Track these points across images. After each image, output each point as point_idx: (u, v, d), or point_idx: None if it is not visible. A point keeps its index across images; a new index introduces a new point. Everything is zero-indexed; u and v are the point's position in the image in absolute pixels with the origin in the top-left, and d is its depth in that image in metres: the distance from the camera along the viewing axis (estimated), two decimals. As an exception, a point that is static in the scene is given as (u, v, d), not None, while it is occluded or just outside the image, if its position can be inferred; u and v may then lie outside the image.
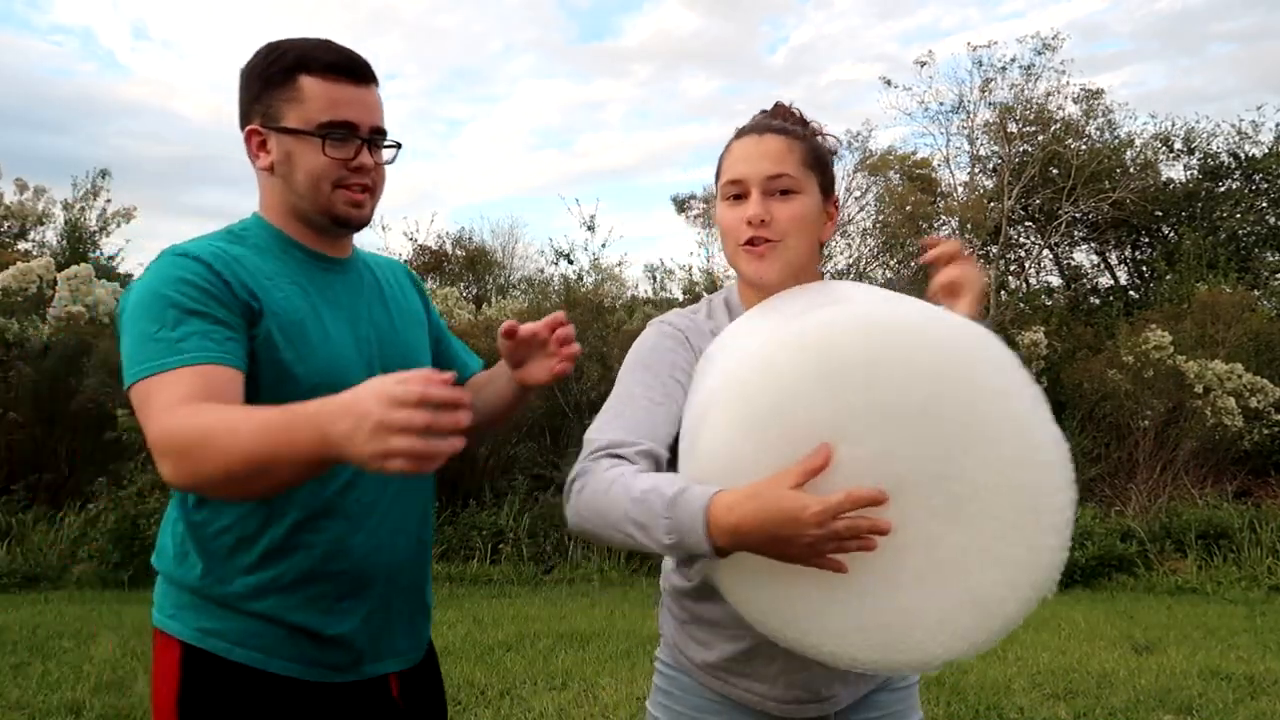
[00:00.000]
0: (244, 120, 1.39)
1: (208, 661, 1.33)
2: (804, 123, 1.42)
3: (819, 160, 1.39)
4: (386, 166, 1.43)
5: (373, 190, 1.40)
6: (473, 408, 1.36)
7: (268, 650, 1.32)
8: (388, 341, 1.44)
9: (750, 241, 1.35)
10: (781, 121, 1.39)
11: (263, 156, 1.37)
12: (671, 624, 1.44)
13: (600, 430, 1.30)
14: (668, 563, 1.45)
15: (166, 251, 1.30)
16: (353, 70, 1.36)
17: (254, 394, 1.26)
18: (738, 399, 1.12)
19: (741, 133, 1.40)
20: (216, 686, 1.32)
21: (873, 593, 1.12)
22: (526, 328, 1.51)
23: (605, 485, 1.19)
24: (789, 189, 1.35)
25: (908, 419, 1.09)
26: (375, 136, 1.38)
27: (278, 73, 1.35)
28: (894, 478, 1.09)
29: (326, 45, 1.37)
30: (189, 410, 1.14)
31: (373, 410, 0.97)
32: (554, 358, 1.54)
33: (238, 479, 1.09)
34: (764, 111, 1.44)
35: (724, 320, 1.41)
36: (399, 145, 1.42)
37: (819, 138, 1.41)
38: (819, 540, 1.04)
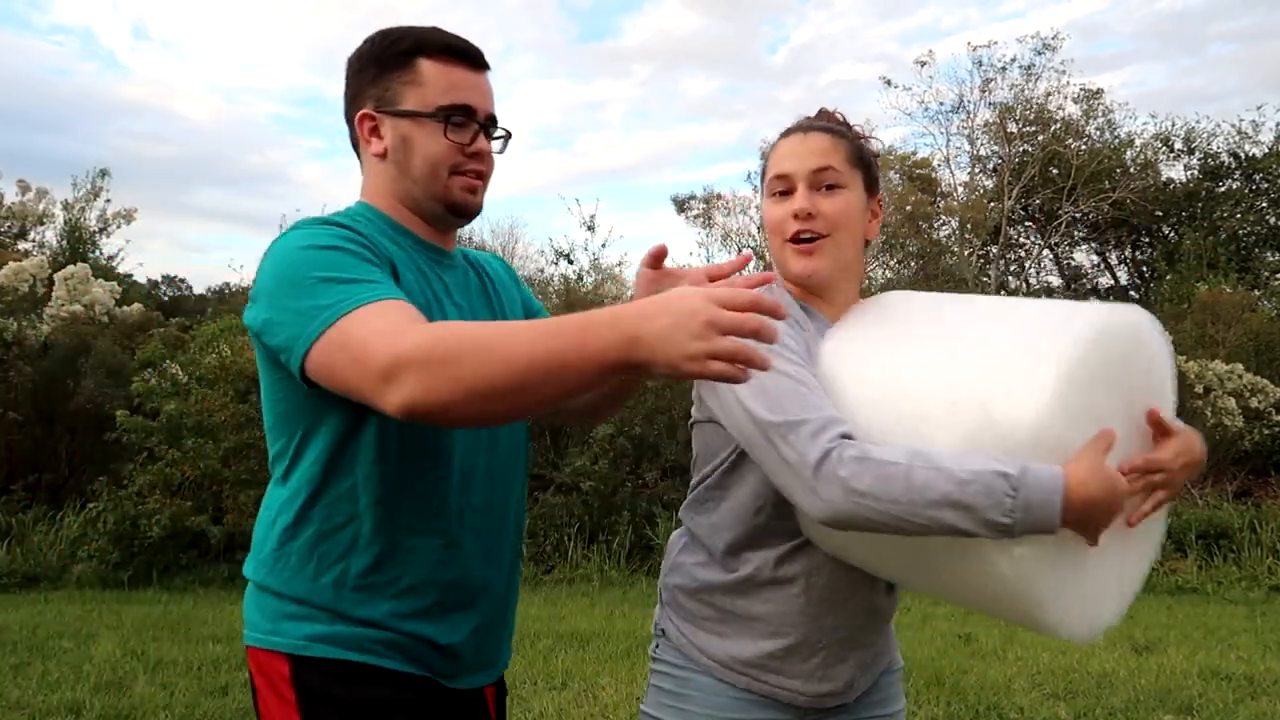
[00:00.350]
0: (353, 106, 1.33)
1: (321, 667, 1.23)
2: (849, 125, 1.44)
3: (863, 159, 1.39)
4: (497, 157, 1.37)
5: (485, 179, 1.34)
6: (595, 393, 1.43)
7: (380, 654, 1.25)
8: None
9: (796, 238, 1.35)
10: (826, 122, 1.42)
11: (375, 142, 1.31)
12: (686, 624, 1.39)
13: (798, 410, 1.18)
14: (686, 559, 1.40)
15: (303, 222, 1.23)
16: (470, 55, 1.32)
17: None
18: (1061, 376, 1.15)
19: (787, 132, 1.41)
20: (336, 688, 1.23)
21: (1095, 564, 1.21)
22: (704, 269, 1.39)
23: (902, 466, 1.12)
24: (835, 183, 1.35)
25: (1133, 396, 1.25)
26: (490, 124, 1.33)
27: (395, 55, 1.29)
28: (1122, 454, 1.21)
29: (441, 30, 1.32)
30: (435, 325, 1.06)
31: (700, 309, 0.94)
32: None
33: (506, 389, 0.99)
34: (809, 116, 1.46)
35: (800, 315, 1.38)
36: (509, 135, 1.37)
37: (863, 140, 1.42)
38: (1119, 511, 1.13)
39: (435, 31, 1.32)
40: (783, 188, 1.37)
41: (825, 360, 1.29)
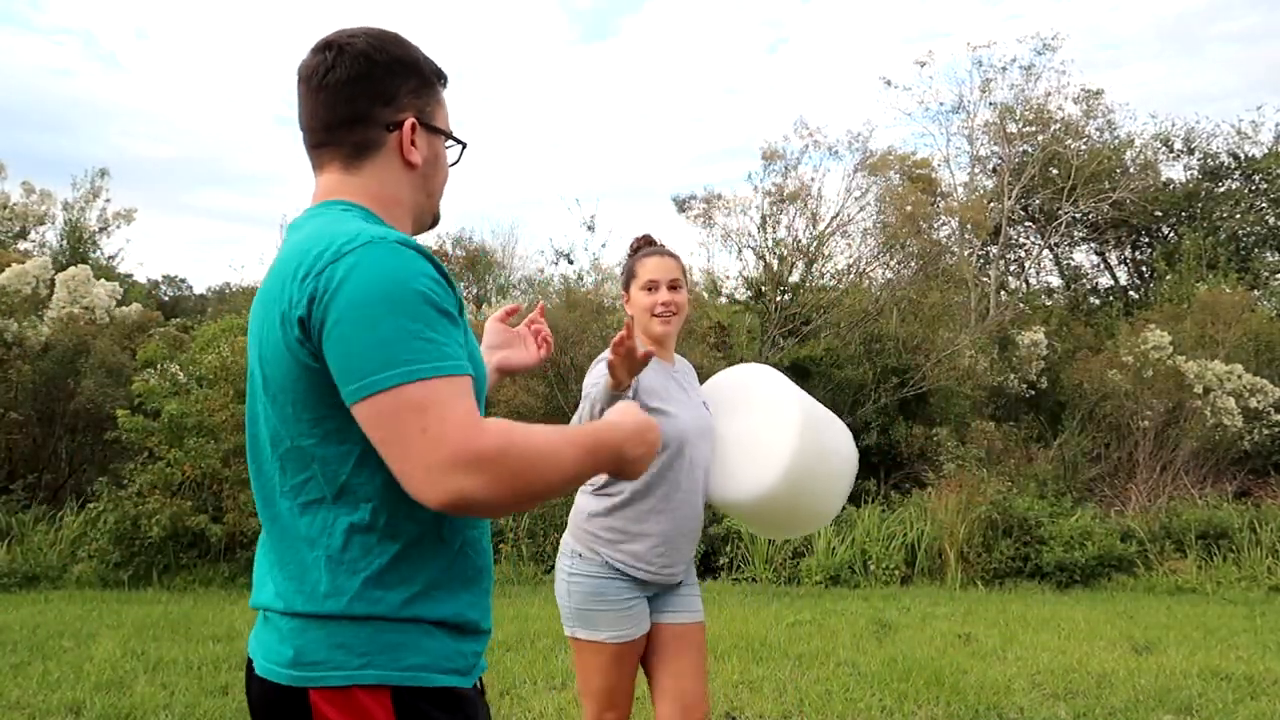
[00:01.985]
0: (389, 108, 1.31)
1: (418, 697, 1.21)
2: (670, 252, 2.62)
3: (683, 272, 2.58)
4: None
5: None
6: None
7: (455, 670, 1.25)
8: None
9: (660, 314, 2.49)
10: (669, 250, 2.59)
11: (414, 151, 1.32)
12: (588, 540, 2.45)
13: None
14: (581, 500, 2.51)
15: (385, 240, 1.17)
16: (447, 85, 1.44)
17: None
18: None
19: (649, 254, 2.54)
20: (439, 716, 1.22)
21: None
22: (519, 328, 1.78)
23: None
24: (678, 285, 2.52)
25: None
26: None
27: (430, 73, 1.37)
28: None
29: (423, 52, 1.41)
30: (504, 427, 1.12)
31: (652, 439, 1.30)
32: (535, 343, 1.78)
33: (546, 496, 1.16)
34: (650, 240, 2.62)
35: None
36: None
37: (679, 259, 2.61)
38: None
39: (425, 55, 1.40)
40: (652, 286, 2.50)
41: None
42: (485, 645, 1.34)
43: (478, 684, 1.34)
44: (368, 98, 1.30)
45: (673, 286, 2.48)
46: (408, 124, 1.31)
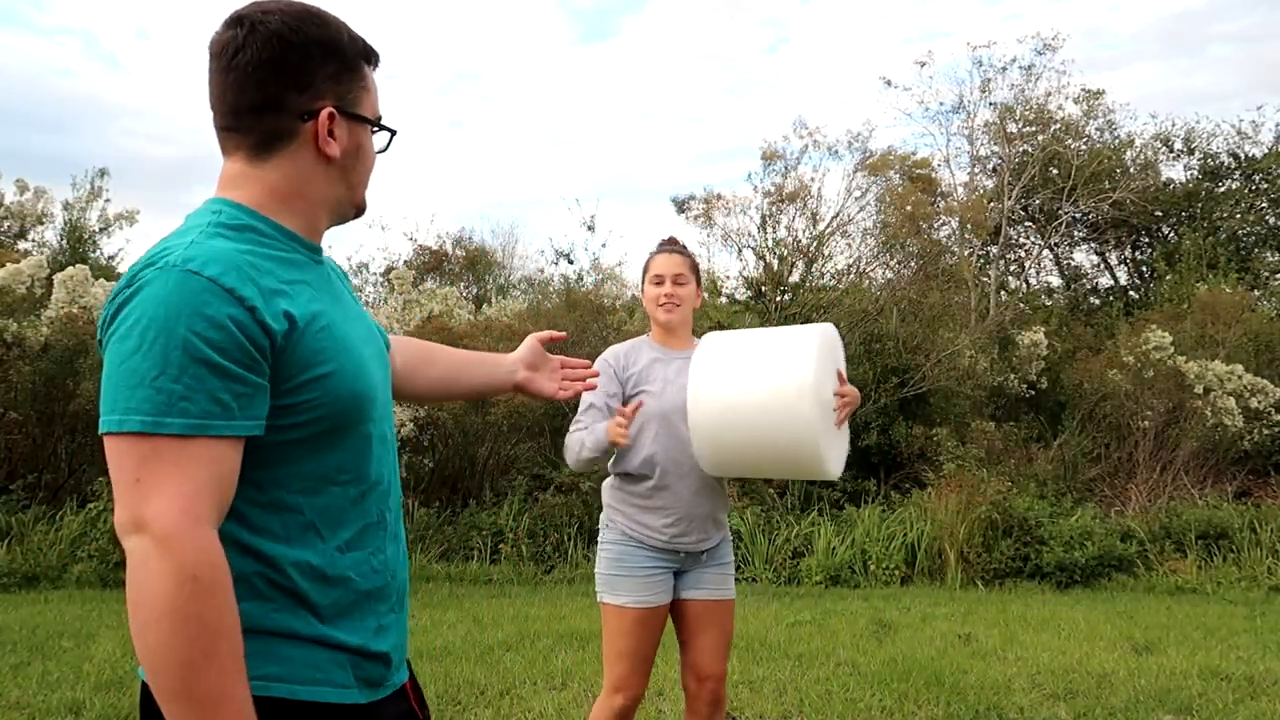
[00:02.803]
0: (303, 95, 1.21)
1: (277, 709, 1.18)
2: (686, 249, 2.88)
3: (695, 268, 2.86)
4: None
5: None
6: (452, 380, 1.68)
7: (328, 681, 1.22)
8: (372, 337, 1.36)
9: (664, 305, 2.77)
10: (679, 247, 2.86)
11: (331, 143, 1.23)
12: (619, 514, 2.74)
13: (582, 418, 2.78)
14: (609, 482, 2.80)
15: (178, 268, 1.08)
16: (379, 64, 1.32)
17: (297, 413, 1.16)
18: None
19: (659, 250, 2.83)
20: None
21: (834, 435, 2.60)
22: (558, 358, 1.83)
23: (574, 438, 2.67)
24: (683, 281, 2.80)
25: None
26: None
27: (354, 55, 1.25)
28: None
29: (347, 26, 1.29)
30: (215, 559, 1.04)
31: None
32: (559, 383, 1.80)
33: (149, 657, 1.03)
34: (667, 240, 2.89)
35: (645, 352, 2.80)
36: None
37: (694, 257, 2.86)
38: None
39: (347, 28, 1.28)
40: (658, 280, 2.79)
41: (694, 369, 2.58)
42: (379, 666, 1.28)
43: (397, 697, 1.30)
44: (280, 83, 1.19)
45: (676, 281, 2.77)
46: (324, 113, 1.21)
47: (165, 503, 1.03)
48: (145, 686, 1.13)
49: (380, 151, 1.34)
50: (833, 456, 2.54)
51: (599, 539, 2.78)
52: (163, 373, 1.04)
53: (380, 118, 1.31)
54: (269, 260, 1.18)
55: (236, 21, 1.21)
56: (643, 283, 2.87)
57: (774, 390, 2.43)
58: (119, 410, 1.05)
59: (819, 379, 2.45)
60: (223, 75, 1.20)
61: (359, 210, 1.34)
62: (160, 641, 1.01)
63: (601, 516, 2.80)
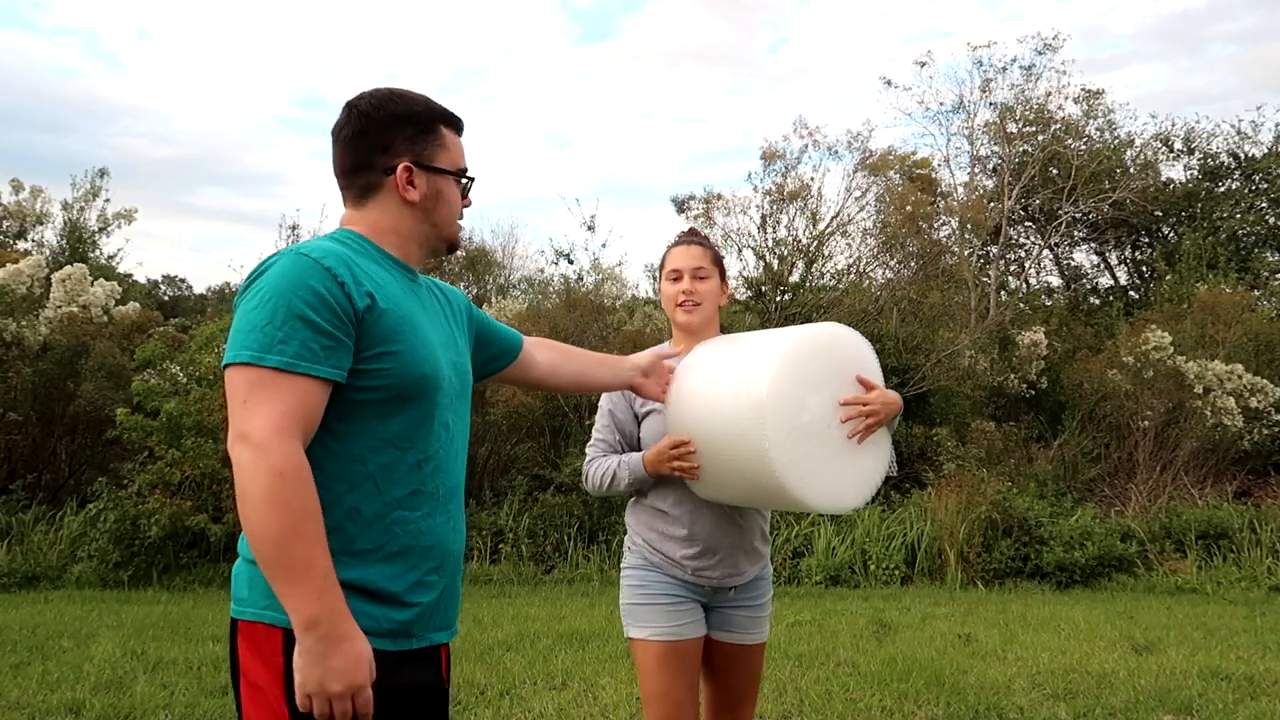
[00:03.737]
0: (386, 155, 1.57)
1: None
2: (707, 239, 2.54)
3: (719, 260, 2.52)
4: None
5: None
6: (582, 376, 2.08)
7: (363, 628, 1.40)
8: (454, 347, 1.67)
9: (683, 303, 2.44)
10: (699, 238, 2.52)
11: (410, 190, 1.58)
12: (632, 531, 2.44)
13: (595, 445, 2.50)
14: (631, 507, 2.47)
15: (294, 252, 1.44)
16: (463, 127, 1.69)
17: (373, 378, 1.45)
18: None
19: (677, 243, 2.50)
20: None
21: (828, 465, 2.14)
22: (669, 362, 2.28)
23: (597, 467, 2.42)
24: (704, 275, 2.45)
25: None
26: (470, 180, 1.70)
27: (428, 121, 1.61)
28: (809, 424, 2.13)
29: (438, 104, 1.64)
30: (299, 460, 1.35)
31: (331, 684, 1.32)
32: (663, 387, 2.22)
33: (255, 536, 1.33)
34: (686, 232, 2.55)
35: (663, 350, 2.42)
36: (473, 181, 1.73)
37: (713, 248, 2.52)
38: (666, 465, 2.24)
39: (436, 104, 1.64)
40: (675, 276, 2.46)
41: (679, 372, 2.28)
42: (410, 614, 1.50)
43: (419, 653, 1.52)
44: (367, 149, 1.58)
45: (696, 276, 2.43)
46: (400, 167, 1.57)
47: (262, 420, 1.35)
48: (233, 625, 1.45)
49: (465, 198, 1.68)
50: (825, 486, 2.10)
51: (622, 563, 2.46)
52: (269, 322, 1.38)
53: (463, 170, 1.66)
54: (366, 261, 1.53)
55: (346, 108, 1.60)
56: (659, 280, 2.55)
57: (728, 416, 2.07)
58: (235, 347, 1.39)
59: (788, 394, 2.04)
60: (335, 148, 1.61)
61: (450, 245, 1.69)
62: (260, 523, 1.31)
63: (625, 539, 2.49)
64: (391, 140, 1.58)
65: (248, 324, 1.40)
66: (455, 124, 1.66)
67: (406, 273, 1.62)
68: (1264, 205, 16.24)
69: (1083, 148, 15.48)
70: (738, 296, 11.51)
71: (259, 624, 1.41)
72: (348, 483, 1.45)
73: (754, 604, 2.42)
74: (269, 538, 1.31)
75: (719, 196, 11.69)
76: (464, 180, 1.67)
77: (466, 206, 1.70)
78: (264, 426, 1.34)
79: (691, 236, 2.51)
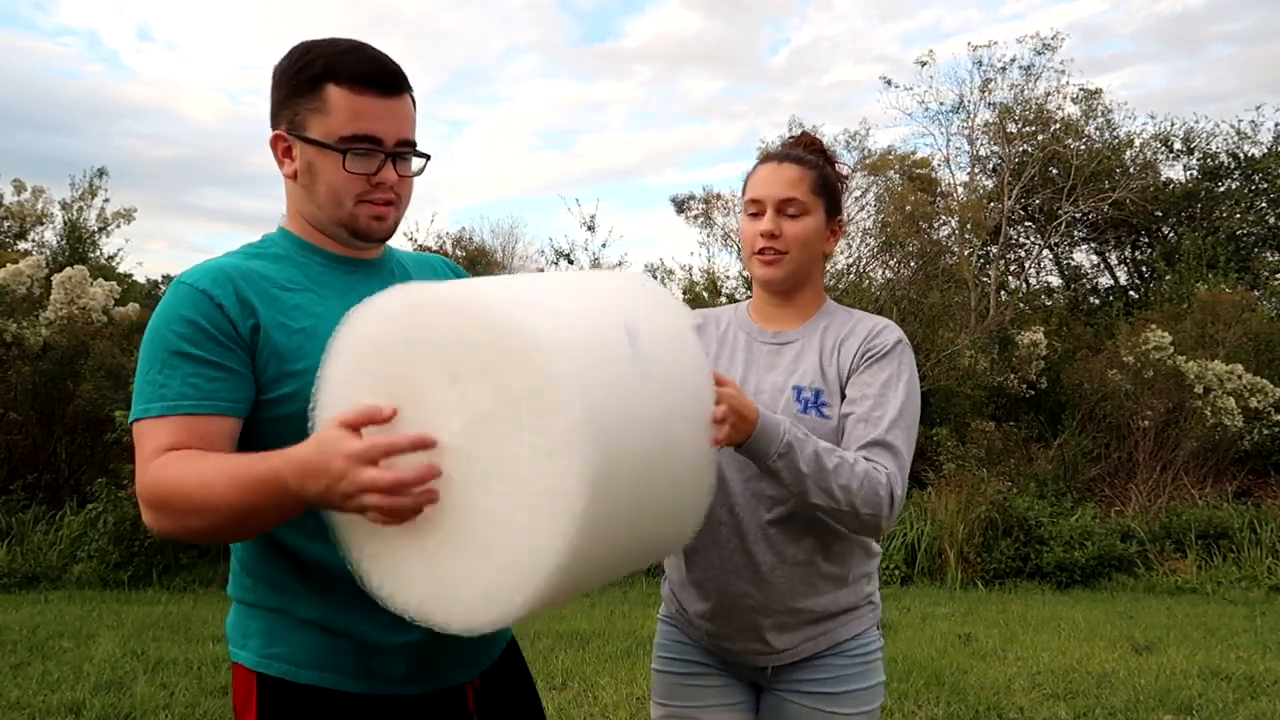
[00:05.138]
0: (273, 122, 1.36)
1: (277, 688, 1.31)
2: (822, 152, 1.68)
3: (827, 187, 1.65)
4: (413, 179, 1.40)
5: (397, 203, 1.37)
6: None
7: (333, 669, 1.30)
8: None
9: (761, 251, 1.62)
10: (801, 151, 1.66)
11: (287, 163, 1.35)
12: (667, 573, 1.78)
13: None
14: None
15: (175, 280, 1.29)
16: (381, 81, 1.30)
17: (275, 407, 1.27)
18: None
19: (765, 158, 1.66)
20: (289, 713, 1.30)
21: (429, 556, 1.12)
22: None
23: None
24: (798, 211, 1.62)
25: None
26: (402, 149, 1.33)
27: (306, 80, 1.30)
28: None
29: (358, 51, 1.31)
30: (162, 461, 1.19)
31: (344, 471, 1.04)
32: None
33: (220, 529, 1.17)
34: (791, 139, 1.73)
35: (724, 327, 1.73)
36: (428, 157, 1.38)
37: (831, 167, 1.66)
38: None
39: (348, 54, 1.30)
40: (755, 210, 1.64)
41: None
42: (393, 661, 1.31)
43: (435, 699, 1.35)
44: (270, 118, 1.37)
45: (784, 211, 1.60)
46: (273, 136, 1.34)
47: (140, 475, 1.20)
48: (261, 680, 1.31)
49: (379, 171, 1.31)
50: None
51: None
52: (151, 367, 1.24)
53: (344, 138, 1.29)
54: (275, 265, 1.33)
55: None
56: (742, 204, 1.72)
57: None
58: (132, 406, 1.26)
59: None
60: None
61: (353, 231, 1.35)
62: (209, 526, 1.16)
63: None
64: (274, 104, 1.34)
65: (139, 375, 1.26)
66: (353, 80, 1.28)
67: (342, 264, 1.37)
68: (1264, 205, 16.24)
69: (1082, 148, 15.49)
70: (737, 297, 11.51)
71: (237, 665, 1.35)
72: (303, 530, 1.26)
73: (816, 690, 1.62)
74: (227, 524, 1.16)
75: (718, 196, 11.70)
76: (349, 151, 1.29)
77: (378, 181, 1.31)
78: (141, 483, 1.21)
79: (787, 151, 1.67)
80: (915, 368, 1.63)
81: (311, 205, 1.35)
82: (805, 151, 1.66)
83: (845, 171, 1.72)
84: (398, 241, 1.53)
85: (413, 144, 1.36)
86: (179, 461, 1.18)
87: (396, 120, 1.32)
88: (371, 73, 1.30)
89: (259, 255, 1.35)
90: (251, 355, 1.25)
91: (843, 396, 1.59)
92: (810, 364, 1.62)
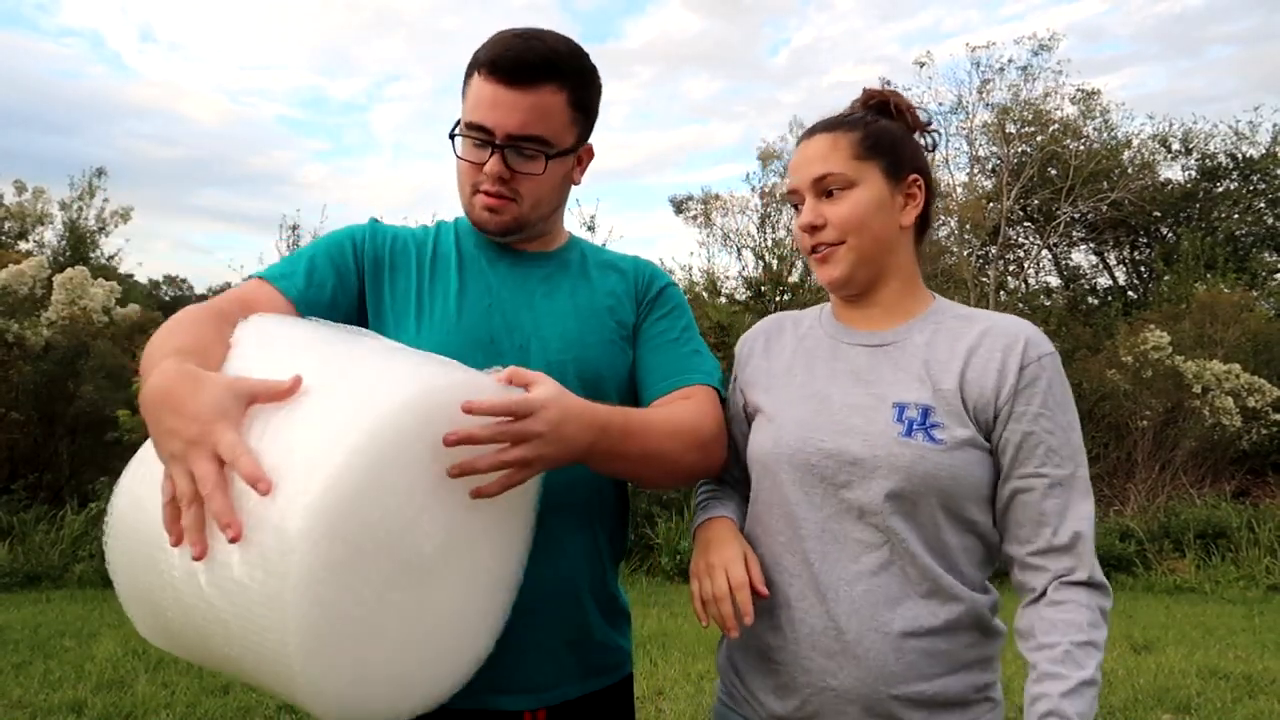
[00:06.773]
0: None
1: None
2: (876, 107, 1.33)
3: (877, 145, 1.27)
4: (540, 176, 1.28)
5: (516, 199, 1.29)
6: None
7: None
8: (521, 332, 1.31)
9: (814, 250, 1.29)
10: (842, 115, 1.32)
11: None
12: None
13: None
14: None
15: None
16: (510, 70, 1.23)
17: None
18: None
19: (800, 141, 1.33)
20: None
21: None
22: None
23: None
24: (838, 186, 1.26)
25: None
26: (516, 143, 1.25)
27: (469, 65, 1.29)
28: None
29: (510, 40, 1.25)
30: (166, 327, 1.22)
31: (169, 424, 0.94)
32: None
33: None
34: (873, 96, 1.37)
35: (803, 330, 1.38)
36: (549, 155, 1.27)
37: (883, 120, 1.30)
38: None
39: (500, 43, 1.25)
40: (795, 201, 1.31)
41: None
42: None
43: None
44: None
45: (822, 190, 1.27)
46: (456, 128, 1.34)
47: None
48: None
49: (486, 158, 1.27)
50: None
51: None
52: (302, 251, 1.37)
53: (471, 123, 1.27)
54: (436, 239, 1.40)
55: None
56: None
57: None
58: None
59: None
60: None
61: (471, 219, 1.34)
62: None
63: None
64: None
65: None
66: (488, 69, 1.24)
67: (497, 252, 1.37)
68: (1262, 205, 16.28)
69: (1081, 148, 15.51)
70: (737, 297, 11.52)
71: None
72: None
73: None
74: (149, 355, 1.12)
75: (716, 197, 11.73)
76: (454, 137, 1.30)
77: (491, 171, 1.26)
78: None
79: (824, 121, 1.32)
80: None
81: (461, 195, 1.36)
82: (835, 120, 1.30)
83: (924, 119, 1.35)
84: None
85: (533, 139, 1.26)
86: (178, 316, 1.24)
87: (516, 112, 1.24)
88: (504, 62, 1.23)
89: (433, 231, 1.42)
90: (359, 294, 1.33)
91: (975, 422, 1.23)
92: (915, 373, 1.24)
